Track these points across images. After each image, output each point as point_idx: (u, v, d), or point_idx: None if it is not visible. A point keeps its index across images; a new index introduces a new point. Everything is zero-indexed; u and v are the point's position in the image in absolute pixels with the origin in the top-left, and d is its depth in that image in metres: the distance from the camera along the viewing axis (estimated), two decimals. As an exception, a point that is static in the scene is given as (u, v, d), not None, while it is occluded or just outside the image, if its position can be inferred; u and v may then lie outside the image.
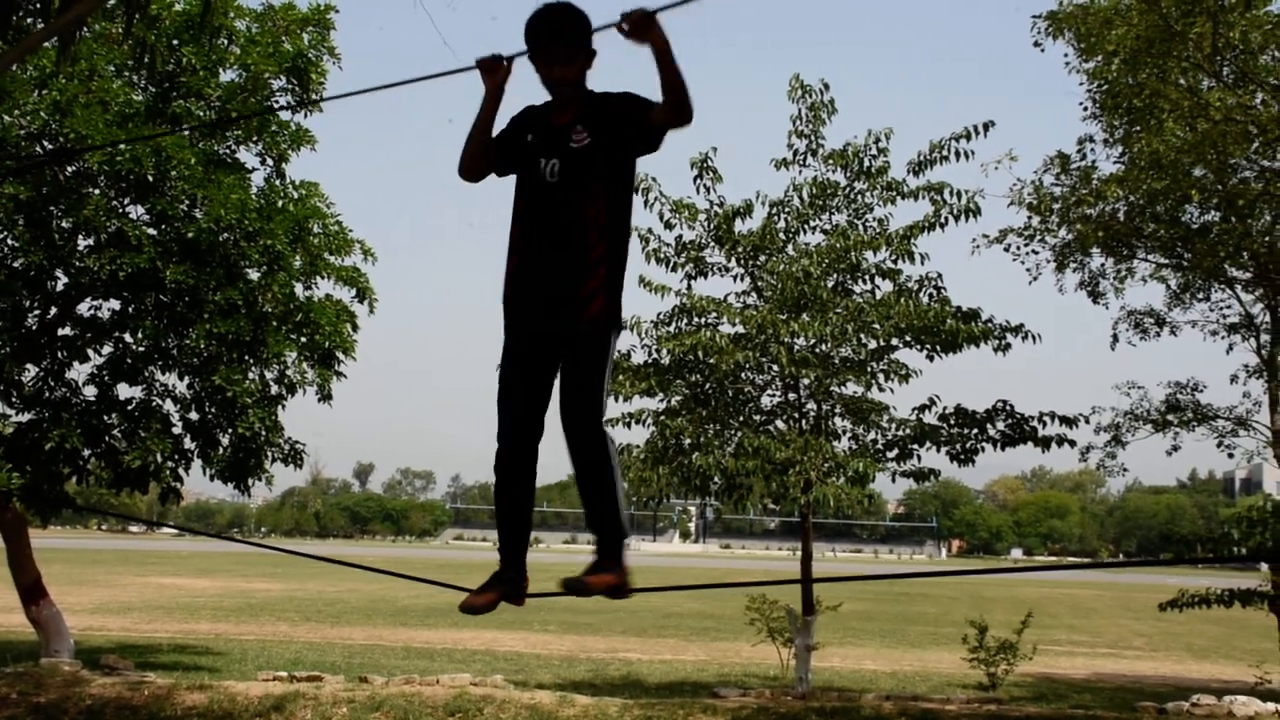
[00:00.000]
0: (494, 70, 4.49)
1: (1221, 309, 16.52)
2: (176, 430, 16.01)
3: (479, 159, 4.62)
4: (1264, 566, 16.10)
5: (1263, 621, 15.05)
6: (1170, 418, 16.22)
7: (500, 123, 4.68)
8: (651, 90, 4.36)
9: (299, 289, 16.26)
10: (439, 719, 13.11)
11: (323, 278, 16.50)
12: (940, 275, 15.58)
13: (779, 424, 15.85)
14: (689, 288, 15.95)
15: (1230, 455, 16.92)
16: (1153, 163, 13.59)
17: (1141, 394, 16.47)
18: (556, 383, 4.52)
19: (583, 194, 4.40)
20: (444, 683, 14.46)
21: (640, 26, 4.06)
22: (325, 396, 16.33)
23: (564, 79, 4.45)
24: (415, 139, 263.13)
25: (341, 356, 16.42)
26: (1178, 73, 13.02)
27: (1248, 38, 12.47)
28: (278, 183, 16.45)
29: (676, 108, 4.23)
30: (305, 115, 16.59)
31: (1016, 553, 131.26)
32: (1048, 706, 15.15)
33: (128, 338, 15.98)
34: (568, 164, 4.42)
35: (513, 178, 4.67)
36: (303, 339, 16.19)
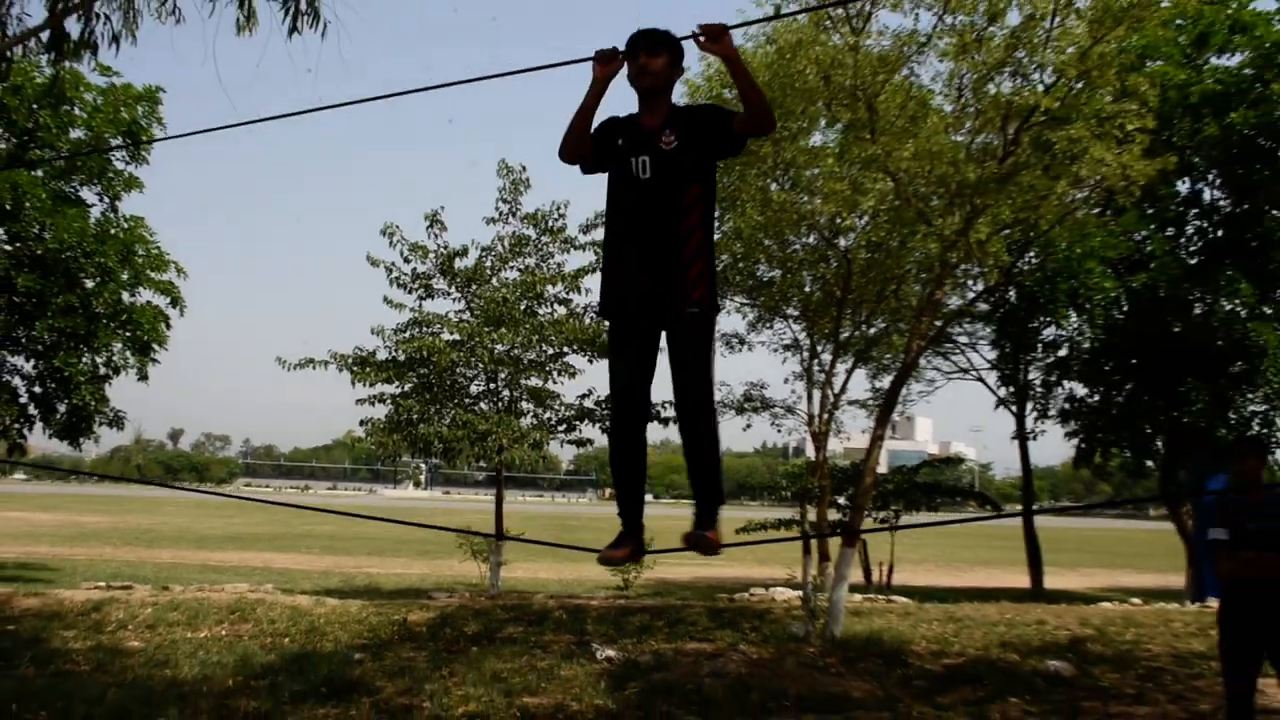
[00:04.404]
0: (608, 61, 3.74)
1: (780, 335, 17.76)
2: (23, 400, 15.72)
3: (578, 143, 3.81)
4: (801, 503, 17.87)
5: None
6: (746, 405, 17.61)
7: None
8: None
9: (125, 296, 16.11)
10: (222, 616, 12.69)
11: (144, 288, 16.36)
12: (600, 303, 16.33)
13: (482, 405, 16.02)
14: (420, 306, 15.88)
15: (779, 430, 18.42)
16: (737, 235, 14.51)
17: (729, 390, 17.63)
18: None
19: (676, 191, 3.70)
20: (227, 590, 14.28)
21: (714, 35, 3.57)
22: (143, 377, 16.26)
23: (646, 68, 3.73)
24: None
25: (157, 347, 16.35)
26: (754, 176, 13.76)
27: (796, 159, 13.42)
28: (111, 216, 16.22)
29: (756, 115, 3.62)
30: (135, 165, 16.37)
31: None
32: (660, 599, 15.82)
33: (-16, 329, 15.58)
34: (658, 162, 3.71)
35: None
36: (126, 334, 16.04)
